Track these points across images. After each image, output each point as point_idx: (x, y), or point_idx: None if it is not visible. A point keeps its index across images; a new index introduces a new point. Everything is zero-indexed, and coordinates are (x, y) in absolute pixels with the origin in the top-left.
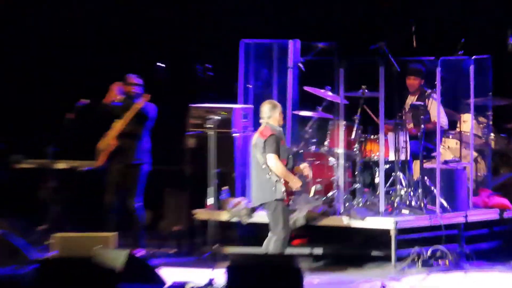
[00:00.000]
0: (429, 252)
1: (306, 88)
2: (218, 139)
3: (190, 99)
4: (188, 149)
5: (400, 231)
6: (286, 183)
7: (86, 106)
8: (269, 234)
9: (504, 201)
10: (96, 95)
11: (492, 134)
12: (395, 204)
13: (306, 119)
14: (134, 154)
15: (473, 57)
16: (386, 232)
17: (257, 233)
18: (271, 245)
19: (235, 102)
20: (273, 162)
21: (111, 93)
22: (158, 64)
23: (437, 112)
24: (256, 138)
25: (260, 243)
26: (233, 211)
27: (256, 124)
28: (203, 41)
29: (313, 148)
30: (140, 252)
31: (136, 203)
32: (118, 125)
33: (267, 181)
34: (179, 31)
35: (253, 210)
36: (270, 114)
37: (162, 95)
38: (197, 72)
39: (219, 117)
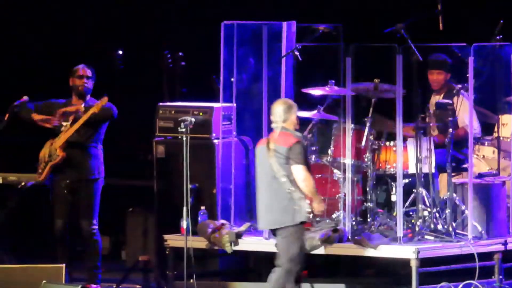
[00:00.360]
0: None
1: (304, 90)
2: (193, 147)
3: (157, 96)
4: (156, 159)
5: (423, 262)
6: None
7: (24, 105)
8: (276, 265)
9: None
10: (40, 91)
11: None
12: (417, 228)
13: (305, 121)
14: (88, 167)
15: None
16: (405, 263)
17: (244, 264)
18: (277, 274)
19: (214, 100)
20: (303, 175)
21: (52, 120)
22: (117, 52)
23: (469, 113)
24: (274, 146)
25: (246, 277)
26: (214, 237)
27: (242, 127)
28: (173, 23)
29: (313, 158)
30: None
31: (94, 226)
32: (67, 132)
33: (287, 199)
34: (142, 10)
35: (239, 235)
36: (286, 116)
37: (122, 91)
38: (166, 62)
39: (195, 119)
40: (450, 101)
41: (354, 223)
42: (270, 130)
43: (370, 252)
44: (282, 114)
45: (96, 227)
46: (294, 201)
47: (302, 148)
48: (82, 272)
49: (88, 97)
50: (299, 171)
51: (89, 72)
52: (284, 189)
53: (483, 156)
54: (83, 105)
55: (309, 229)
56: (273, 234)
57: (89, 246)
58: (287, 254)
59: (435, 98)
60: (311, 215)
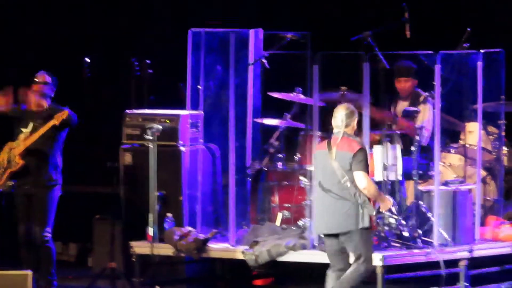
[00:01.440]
0: None
1: (271, 93)
2: (160, 154)
3: (124, 103)
4: (123, 166)
5: (389, 269)
6: (375, 205)
7: None
8: (330, 270)
9: None
10: None
11: (504, 148)
12: (383, 235)
13: (271, 128)
14: (44, 174)
15: (482, 51)
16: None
17: (210, 271)
18: (350, 272)
19: (181, 107)
20: (364, 181)
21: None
22: (84, 59)
23: (431, 120)
24: (338, 151)
25: (213, 284)
26: (180, 244)
27: (209, 135)
28: (141, 30)
29: (279, 165)
30: None
31: (47, 233)
32: (27, 140)
33: (351, 203)
34: (110, 18)
35: (206, 242)
36: (348, 121)
37: (89, 99)
38: (133, 69)
39: (162, 126)
40: (417, 109)
41: None
42: (238, 136)
43: None
44: (344, 119)
45: (49, 234)
46: (359, 205)
47: (365, 155)
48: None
49: (48, 102)
50: (361, 178)
51: (47, 79)
52: (348, 194)
53: (450, 164)
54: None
55: (374, 231)
56: (326, 236)
57: (42, 254)
58: (361, 256)
59: (402, 105)
60: (367, 218)
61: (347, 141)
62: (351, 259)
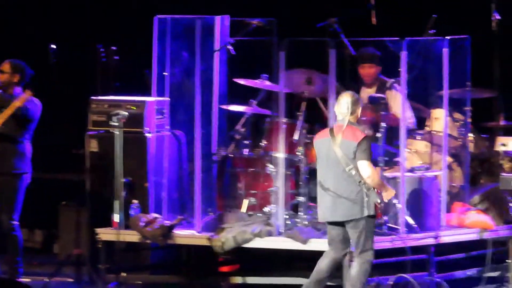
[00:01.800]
0: (391, 282)
1: (236, 80)
2: (126, 141)
3: (90, 90)
4: (89, 153)
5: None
6: (379, 194)
7: None
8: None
9: (484, 218)
10: None
11: (470, 135)
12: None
13: (237, 115)
14: (13, 162)
15: (448, 37)
16: None
17: (176, 257)
18: (356, 269)
19: (147, 93)
20: (368, 170)
21: None
22: (50, 46)
23: (401, 106)
24: (343, 140)
25: (178, 270)
26: (146, 230)
27: (175, 121)
28: (106, 16)
29: (245, 152)
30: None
31: (13, 221)
32: None
33: (356, 191)
34: (76, 4)
35: (171, 228)
36: (353, 108)
37: (54, 85)
38: (99, 56)
39: (128, 113)
40: (383, 95)
41: (286, 217)
42: (204, 123)
43: (301, 246)
44: (350, 106)
45: (16, 222)
46: (364, 193)
47: (369, 144)
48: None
49: (15, 90)
50: (365, 167)
51: (7, 67)
52: (353, 182)
53: (416, 150)
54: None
55: (379, 219)
56: (330, 224)
57: (8, 241)
58: (364, 245)
59: (367, 92)
60: (372, 206)
61: (351, 130)
62: (354, 247)
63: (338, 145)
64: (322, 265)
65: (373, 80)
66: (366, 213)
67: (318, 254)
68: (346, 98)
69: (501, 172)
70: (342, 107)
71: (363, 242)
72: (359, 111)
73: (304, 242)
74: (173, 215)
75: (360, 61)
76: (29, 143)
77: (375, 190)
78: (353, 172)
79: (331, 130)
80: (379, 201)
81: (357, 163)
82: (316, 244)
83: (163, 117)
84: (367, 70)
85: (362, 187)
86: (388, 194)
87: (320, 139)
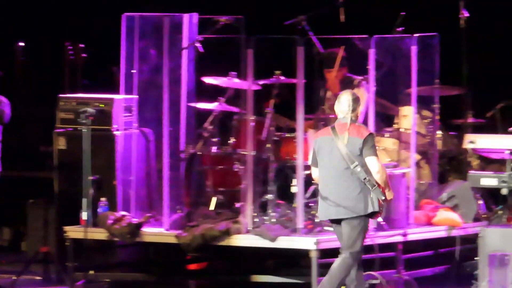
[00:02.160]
0: None
1: (205, 78)
2: (94, 138)
3: (58, 87)
4: (57, 150)
5: (323, 253)
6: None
7: None
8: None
9: (453, 216)
10: None
11: (439, 132)
12: (317, 220)
13: (205, 113)
14: None
15: (416, 35)
16: (305, 254)
17: (144, 255)
18: (339, 262)
19: (115, 91)
20: (378, 166)
21: None
22: (17, 44)
23: (371, 104)
24: (352, 139)
25: (147, 268)
26: (114, 228)
27: (143, 119)
28: (74, 13)
29: (214, 149)
30: None
31: None
32: None
33: (360, 188)
34: (43, 1)
35: (139, 226)
36: (354, 106)
37: (21, 82)
38: (67, 53)
39: (96, 111)
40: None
41: (254, 214)
42: (172, 121)
43: (270, 244)
44: (351, 104)
45: None
46: (368, 190)
47: (374, 140)
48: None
49: None
50: (375, 163)
51: None
52: (357, 179)
53: (384, 148)
54: None
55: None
56: (334, 222)
57: None
58: (356, 244)
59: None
60: (376, 203)
61: (355, 127)
62: (345, 242)
63: (346, 142)
64: (335, 264)
65: (340, 81)
66: (370, 210)
67: (286, 252)
68: (347, 97)
69: (470, 169)
70: (343, 105)
71: (355, 239)
72: (359, 109)
73: (273, 239)
74: (141, 213)
75: (324, 66)
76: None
77: (379, 187)
78: (358, 169)
79: (333, 128)
80: (383, 198)
81: (365, 160)
82: (284, 241)
83: (131, 115)
84: (331, 74)
85: (367, 184)
86: (390, 194)
87: (322, 137)
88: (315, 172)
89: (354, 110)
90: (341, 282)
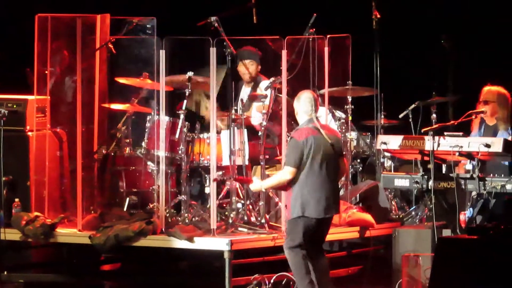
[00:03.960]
0: (272, 280)
1: (118, 79)
2: (6, 139)
3: None
4: None
5: (237, 254)
6: None
7: None
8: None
9: (366, 216)
10: None
11: (351, 133)
12: (230, 221)
13: (119, 114)
14: None
15: (328, 36)
16: (219, 255)
17: (58, 256)
18: (327, 261)
19: (28, 92)
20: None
21: None
22: None
23: (282, 104)
24: (334, 138)
25: (61, 268)
26: (28, 229)
27: (56, 120)
28: None
29: (127, 150)
30: None
31: None
32: None
33: (338, 187)
34: None
35: (53, 227)
36: (317, 106)
37: None
38: None
39: (8, 111)
40: (265, 93)
41: (168, 215)
42: (85, 121)
43: (183, 244)
44: (315, 104)
45: None
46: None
47: None
48: None
49: None
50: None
51: None
52: (338, 177)
53: None
54: None
55: None
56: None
57: None
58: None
59: (245, 91)
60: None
61: (327, 126)
62: (322, 242)
63: (329, 141)
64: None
65: (253, 78)
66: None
67: (198, 253)
68: (312, 95)
69: (382, 170)
70: (312, 104)
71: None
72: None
73: (188, 240)
74: (55, 214)
75: (239, 59)
76: None
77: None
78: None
79: (315, 127)
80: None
81: (339, 159)
82: (198, 242)
83: (44, 116)
84: (246, 67)
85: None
86: None
87: (312, 136)
88: (293, 174)
89: (316, 110)
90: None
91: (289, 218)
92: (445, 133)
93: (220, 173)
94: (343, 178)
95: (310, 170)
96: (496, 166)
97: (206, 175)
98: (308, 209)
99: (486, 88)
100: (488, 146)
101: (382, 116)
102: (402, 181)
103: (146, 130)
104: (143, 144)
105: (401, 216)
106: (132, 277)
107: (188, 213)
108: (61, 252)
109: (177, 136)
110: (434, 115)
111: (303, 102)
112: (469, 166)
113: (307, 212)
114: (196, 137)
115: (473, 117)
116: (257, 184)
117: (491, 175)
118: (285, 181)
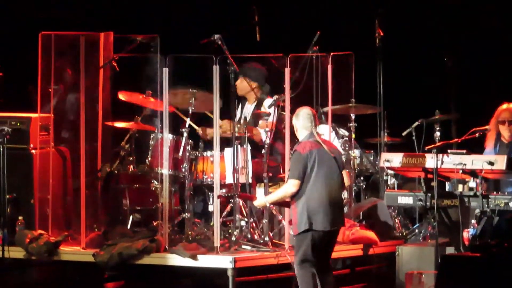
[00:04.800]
0: None
1: (122, 96)
2: (10, 157)
3: None
4: None
5: (240, 272)
6: None
7: None
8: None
9: (369, 234)
10: None
11: (354, 151)
12: (234, 238)
13: (122, 131)
14: None
15: (332, 54)
16: (223, 273)
17: (62, 274)
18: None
19: (32, 110)
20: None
21: None
22: None
23: (286, 122)
24: (336, 151)
25: (64, 287)
26: (31, 247)
27: (59, 138)
28: None
29: (131, 168)
30: None
31: None
32: None
33: (343, 200)
34: None
35: (57, 245)
36: (316, 121)
37: None
38: None
39: (12, 129)
40: (267, 111)
41: (171, 233)
42: (89, 139)
43: (187, 262)
44: (314, 119)
45: None
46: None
47: None
48: None
49: None
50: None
51: None
52: (342, 190)
53: None
54: None
55: None
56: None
57: None
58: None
59: (249, 108)
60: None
61: (327, 141)
62: (328, 258)
63: (335, 156)
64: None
65: (247, 92)
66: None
67: (202, 270)
68: (309, 112)
69: (386, 188)
70: (313, 120)
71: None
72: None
73: (192, 257)
74: (58, 232)
75: (241, 75)
76: None
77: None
78: (345, 180)
79: (317, 141)
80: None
81: (342, 172)
82: (202, 260)
83: (47, 133)
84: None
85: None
86: None
87: (315, 150)
88: (297, 186)
89: (316, 124)
90: None
91: (296, 233)
92: (449, 151)
93: (224, 190)
94: (346, 196)
95: (314, 184)
96: (507, 183)
97: (209, 193)
98: (315, 222)
99: (504, 107)
100: (491, 163)
101: (386, 134)
102: (405, 199)
103: (150, 148)
104: (147, 161)
105: (404, 233)
106: None
107: (192, 231)
108: (65, 270)
109: (180, 154)
110: (437, 133)
111: (302, 118)
112: (472, 184)
113: (315, 225)
114: (199, 155)
115: (477, 135)
116: (261, 199)
117: (500, 192)
118: (290, 193)
